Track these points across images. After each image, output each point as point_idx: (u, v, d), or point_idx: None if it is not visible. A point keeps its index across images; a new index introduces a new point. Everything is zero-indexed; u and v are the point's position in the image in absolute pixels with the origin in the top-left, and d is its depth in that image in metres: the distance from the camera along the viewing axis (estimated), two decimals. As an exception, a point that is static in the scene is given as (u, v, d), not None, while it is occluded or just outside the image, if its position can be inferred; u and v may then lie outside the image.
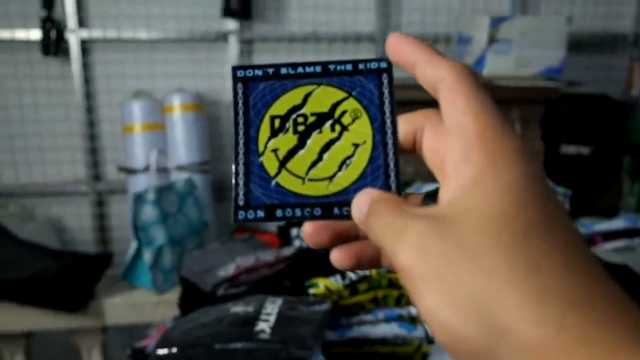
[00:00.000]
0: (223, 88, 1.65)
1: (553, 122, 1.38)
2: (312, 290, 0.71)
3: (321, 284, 0.72)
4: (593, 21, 1.73)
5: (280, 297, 0.68)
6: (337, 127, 0.31)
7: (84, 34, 1.56)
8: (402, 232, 0.23)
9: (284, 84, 0.32)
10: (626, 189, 1.49)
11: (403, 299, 0.72)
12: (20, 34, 1.55)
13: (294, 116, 0.31)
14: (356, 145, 0.30)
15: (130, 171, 1.53)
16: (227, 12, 1.52)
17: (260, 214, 0.30)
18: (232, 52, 1.61)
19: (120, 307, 1.15)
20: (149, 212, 1.23)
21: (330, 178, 0.30)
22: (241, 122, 0.31)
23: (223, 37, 1.60)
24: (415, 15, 1.67)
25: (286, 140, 0.31)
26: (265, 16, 1.61)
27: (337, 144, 0.30)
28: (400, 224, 0.24)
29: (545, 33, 1.36)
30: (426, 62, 0.26)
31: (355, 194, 0.29)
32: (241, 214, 0.30)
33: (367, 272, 0.72)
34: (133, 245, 1.23)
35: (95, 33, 1.57)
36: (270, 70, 0.32)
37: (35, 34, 1.54)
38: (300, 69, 0.32)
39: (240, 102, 0.31)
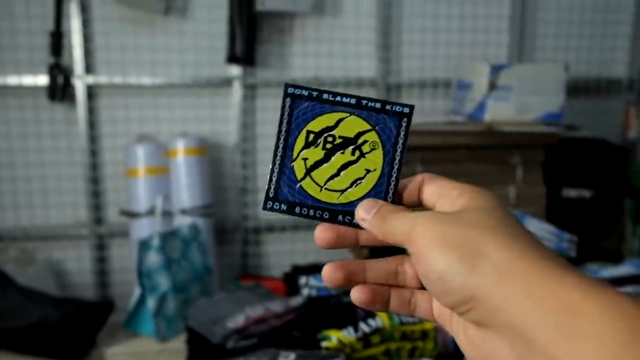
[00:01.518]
0: (226, 132, 1.66)
1: (554, 166, 1.40)
2: (324, 343, 0.71)
3: (334, 337, 0.71)
4: (588, 67, 1.78)
5: (292, 351, 0.67)
6: (357, 153, 0.37)
7: (90, 79, 1.59)
8: (414, 221, 0.32)
9: (324, 107, 0.38)
10: (628, 232, 1.50)
11: (416, 352, 0.72)
12: (28, 80, 1.57)
13: (325, 135, 0.37)
14: (368, 171, 0.37)
15: (133, 215, 1.53)
16: (232, 58, 1.55)
17: (284, 207, 0.37)
18: (235, 97, 1.63)
19: (123, 356, 1.13)
20: (153, 258, 1.22)
21: (342, 191, 0.37)
22: (284, 129, 0.38)
23: (227, 82, 1.63)
24: (414, 61, 1.71)
25: (315, 153, 0.37)
26: (268, 62, 1.65)
27: (354, 166, 0.37)
28: (411, 217, 0.33)
29: (544, 80, 1.39)
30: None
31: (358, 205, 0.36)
32: (269, 204, 0.37)
33: (379, 324, 0.71)
34: (137, 292, 1.22)
35: (102, 79, 1.59)
36: (315, 93, 0.38)
37: (43, 80, 1.56)
38: (338, 98, 0.38)
39: (286, 113, 0.38)
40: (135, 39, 1.61)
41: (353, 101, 0.38)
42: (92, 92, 1.61)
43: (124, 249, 1.66)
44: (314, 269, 1.14)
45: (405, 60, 1.71)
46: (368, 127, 0.38)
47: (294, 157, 0.37)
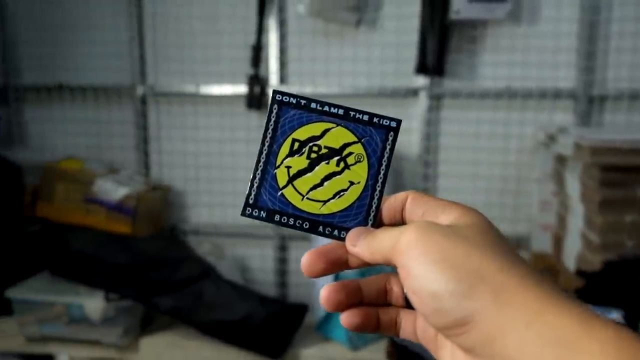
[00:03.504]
0: (409, 142, 1.65)
1: None
2: None
3: None
4: None
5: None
6: (342, 164, 0.36)
7: (284, 89, 1.68)
8: (400, 232, 0.31)
9: (311, 116, 0.37)
10: None
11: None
12: (229, 90, 1.71)
13: (311, 144, 0.37)
14: (352, 183, 0.36)
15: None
16: (421, 68, 1.53)
17: (263, 214, 0.36)
18: (420, 108, 1.61)
19: (315, 359, 1.16)
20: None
21: (324, 202, 0.36)
22: (269, 136, 0.37)
23: (413, 92, 1.62)
24: (623, 70, 1.53)
25: (299, 162, 0.37)
26: (456, 72, 1.60)
27: (338, 177, 0.36)
28: (396, 231, 0.31)
29: None
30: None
31: (339, 219, 0.35)
32: (248, 210, 0.36)
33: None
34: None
35: (293, 88, 1.68)
36: (303, 102, 0.38)
37: (242, 90, 1.69)
38: (326, 108, 0.37)
39: (273, 120, 0.37)
40: (325, 50, 1.67)
41: (341, 112, 0.37)
42: (284, 101, 1.71)
43: (302, 251, 1.73)
44: None
45: (612, 69, 1.54)
46: (354, 138, 0.37)
47: (277, 164, 0.37)
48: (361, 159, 0.37)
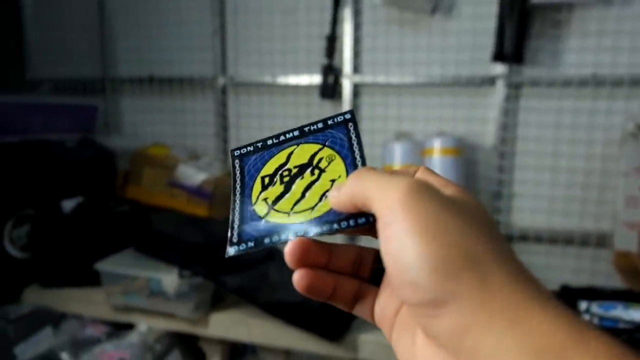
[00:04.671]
0: (483, 132, 1.60)
1: None
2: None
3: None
4: None
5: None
6: (316, 171, 0.36)
7: (357, 79, 1.69)
8: (392, 182, 0.27)
9: (271, 151, 0.38)
10: None
11: None
12: (304, 80, 1.75)
13: (280, 172, 0.37)
14: (333, 181, 0.35)
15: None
16: (499, 56, 1.47)
17: (250, 244, 0.34)
18: (498, 97, 1.55)
19: (373, 344, 1.17)
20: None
21: (312, 208, 0.34)
22: (238, 186, 0.37)
23: (490, 81, 1.56)
24: None
25: (274, 190, 0.36)
26: (537, 59, 1.52)
27: (317, 183, 0.35)
28: (388, 178, 0.28)
29: None
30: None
31: (333, 215, 0.33)
32: (234, 248, 0.34)
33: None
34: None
35: (367, 78, 1.68)
36: (259, 144, 0.39)
37: (316, 79, 1.72)
38: (282, 137, 0.38)
39: (238, 172, 0.38)
40: (399, 39, 1.65)
41: (297, 133, 0.38)
42: (357, 91, 1.72)
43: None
44: (591, 294, 1.00)
45: None
46: (318, 146, 0.37)
47: (253, 202, 0.36)
48: (333, 158, 0.36)
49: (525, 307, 0.23)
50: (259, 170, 0.38)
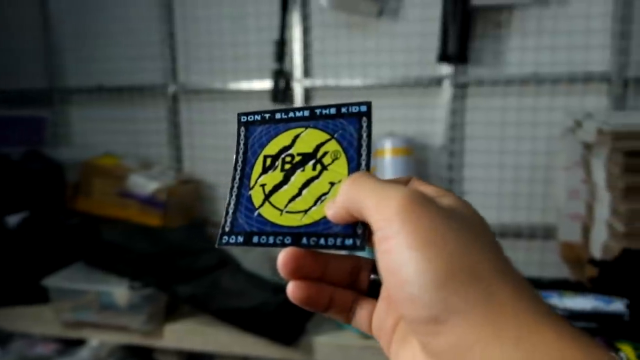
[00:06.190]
0: (433, 132, 1.63)
1: None
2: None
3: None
4: None
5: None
6: (318, 167, 0.34)
7: (308, 82, 1.70)
8: (390, 192, 0.26)
9: (278, 127, 0.36)
10: None
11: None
12: (256, 85, 1.75)
13: (283, 156, 0.35)
14: (332, 184, 0.33)
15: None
16: (444, 57, 1.51)
17: (240, 239, 0.33)
18: (445, 97, 1.58)
19: (329, 346, 1.17)
20: (359, 255, 1.25)
21: (305, 211, 0.32)
22: (240, 160, 0.36)
23: (437, 81, 1.59)
24: (662, 50, 1.45)
25: (273, 177, 0.35)
26: (481, 59, 1.56)
27: (316, 181, 0.33)
28: (386, 187, 0.27)
29: None
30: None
31: (323, 226, 0.31)
32: (224, 239, 0.34)
33: None
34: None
35: (317, 82, 1.69)
36: (267, 115, 0.36)
37: (268, 84, 1.72)
38: (291, 114, 0.36)
39: (242, 143, 0.36)
40: (348, 42, 1.67)
41: (307, 113, 0.36)
42: (308, 95, 1.73)
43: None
44: (552, 286, 1.03)
45: (649, 49, 1.45)
46: (326, 136, 0.34)
47: (251, 185, 0.35)
48: (338, 156, 0.34)
49: (530, 323, 0.23)
50: (262, 146, 0.36)
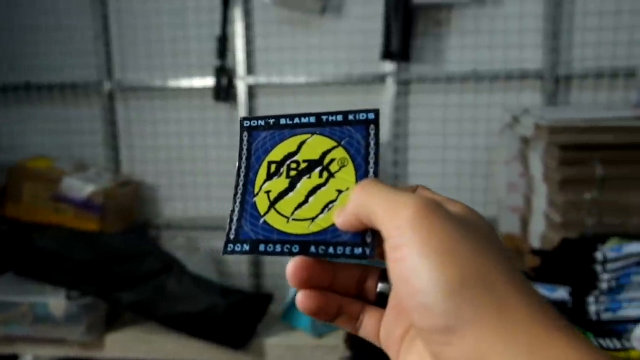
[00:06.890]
0: (378, 130, 1.64)
1: None
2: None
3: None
4: None
5: None
6: (325, 174, 0.33)
7: (251, 80, 1.67)
8: (400, 200, 0.26)
9: (283, 133, 0.35)
10: None
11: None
12: (198, 83, 1.70)
13: (288, 162, 0.34)
14: (340, 192, 0.32)
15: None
16: (387, 55, 1.52)
17: (246, 247, 0.32)
18: (389, 94, 1.60)
19: (280, 347, 1.16)
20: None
21: (313, 219, 0.32)
22: (244, 166, 0.35)
23: (380, 79, 1.61)
24: (589, 49, 1.53)
25: (279, 184, 0.34)
26: (423, 57, 1.59)
27: (323, 189, 0.33)
28: (396, 195, 0.26)
29: None
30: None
31: (331, 235, 0.31)
32: (230, 247, 0.32)
33: None
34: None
35: (261, 79, 1.67)
36: (272, 121, 0.35)
37: (210, 82, 1.68)
38: (297, 120, 0.35)
39: (245, 148, 0.35)
40: (292, 39, 1.65)
41: (313, 119, 0.35)
42: (252, 93, 1.70)
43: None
44: None
45: (578, 49, 1.53)
46: (333, 144, 0.34)
47: (255, 192, 0.34)
48: (345, 164, 0.33)
49: (543, 333, 0.23)
50: (267, 152, 0.35)
